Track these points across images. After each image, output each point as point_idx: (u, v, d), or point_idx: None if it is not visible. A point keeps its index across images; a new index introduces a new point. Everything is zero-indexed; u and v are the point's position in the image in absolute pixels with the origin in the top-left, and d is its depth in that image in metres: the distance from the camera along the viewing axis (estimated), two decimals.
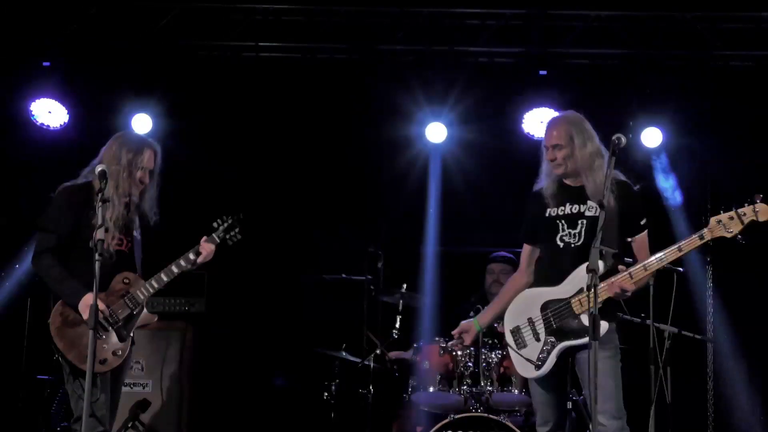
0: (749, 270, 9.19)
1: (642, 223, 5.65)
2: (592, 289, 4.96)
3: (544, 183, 5.77)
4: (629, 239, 5.64)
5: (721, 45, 9.05)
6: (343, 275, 8.61)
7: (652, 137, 9.48)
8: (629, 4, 8.98)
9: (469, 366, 7.51)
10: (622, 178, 5.69)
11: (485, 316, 6.09)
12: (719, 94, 9.29)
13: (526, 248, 5.87)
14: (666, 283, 6.67)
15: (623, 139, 5.41)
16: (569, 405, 7.15)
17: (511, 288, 5.91)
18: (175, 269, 6.03)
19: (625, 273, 5.45)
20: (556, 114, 9.18)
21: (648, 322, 6.96)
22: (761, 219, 5.28)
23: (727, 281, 9.68)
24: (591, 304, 4.97)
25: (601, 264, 5.26)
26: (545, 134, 5.78)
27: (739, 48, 9.11)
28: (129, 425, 7.91)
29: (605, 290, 5.39)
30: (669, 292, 6.72)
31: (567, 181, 5.72)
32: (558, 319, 5.52)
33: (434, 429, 7.13)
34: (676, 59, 9.24)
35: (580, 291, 5.41)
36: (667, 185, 9.67)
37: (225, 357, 9.31)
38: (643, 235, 5.66)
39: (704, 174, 9.67)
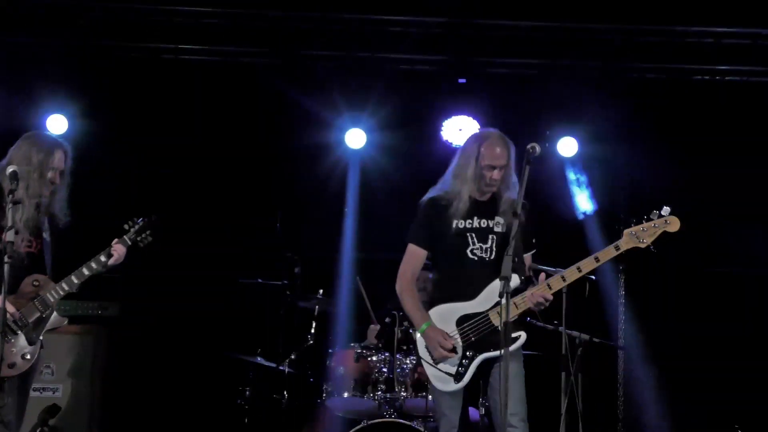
0: (659, 278, 9.36)
1: (533, 241, 5.80)
2: (504, 297, 5.00)
3: (449, 192, 5.77)
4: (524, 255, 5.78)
5: (636, 57, 9.22)
6: (260, 280, 8.57)
7: (567, 146, 9.63)
8: (548, 15, 9.07)
9: (384, 372, 7.53)
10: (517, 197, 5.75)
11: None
12: (634, 105, 9.45)
13: (420, 252, 5.84)
14: (578, 290, 6.76)
15: (537, 148, 5.49)
16: (482, 411, 7.29)
17: (410, 291, 5.87)
18: (86, 271, 5.95)
19: (543, 284, 5.56)
20: (473, 121, 9.41)
21: (560, 329, 7.02)
22: (671, 230, 5.48)
23: (638, 289, 9.85)
24: (503, 312, 5.01)
25: (516, 276, 5.43)
26: (491, 153, 5.69)
27: (653, 60, 9.28)
28: (37, 431, 7.77)
29: (525, 302, 5.50)
30: (581, 299, 6.81)
31: (475, 196, 5.75)
32: (476, 333, 5.56)
33: None
34: (593, 70, 9.38)
35: (498, 304, 5.46)
36: (582, 194, 9.81)
37: (139, 362, 9.21)
38: (530, 255, 5.86)
39: (618, 183, 9.83)
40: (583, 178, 9.81)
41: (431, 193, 5.87)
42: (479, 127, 9.48)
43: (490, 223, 5.67)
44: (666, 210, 5.50)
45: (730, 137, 9.50)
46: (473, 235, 5.67)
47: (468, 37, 9.20)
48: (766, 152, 9.49)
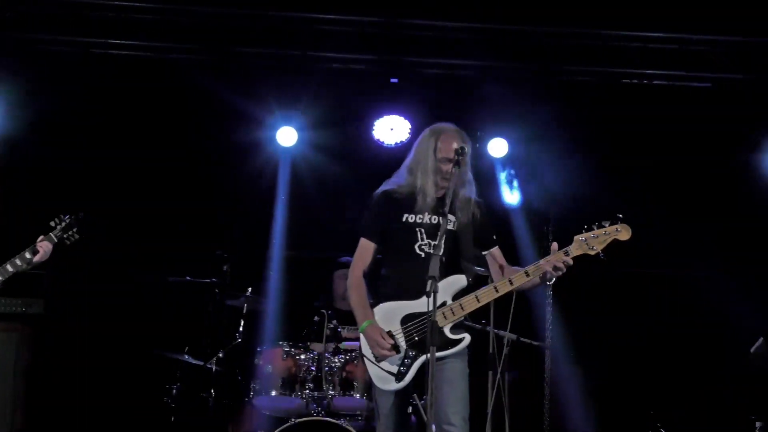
0: (586, 279, 9.46)
1: (494, 237, 5.76)
2: (432, 296, 4.97)
3: (402, 186, 5.70)
4: (484, 252, 5.75)
5: (566, 60, 9.32)
6: (188, 278, 8.51)
7: (498, 147, 9.70)
8: (480, 16, 9.13)
9: (312, 370, 7.53)
10: (475, 197, 5.75)
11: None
12: (564, 108, 9.55)
13: (369, 245, 5.72)
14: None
15: (467, 148, 5.53)
16: (409, 410, 7.32)
17: (364, 293, 5.75)
18: (10, 268, 5.88)
19: (490, 287, 5.54)
20: (405, 121, 9.42)
21: (488, 328, 7.07)
22: (622, 238, 5.45)
23: (565, 290, 9.96)
24: (432, 310, 5.00)
25: (464, 278, 5.49)
26: (448, 146, 5.64)
27: (583, 63, 9.38)
28: None
29: (472, 302, 5.49)
30: (509, 299, 6.85)
31: (427, 191, 5.66)
32: (420, 332, 5.48)
33: None
34: (524, 72, 9.46)
35: (444, 304, 5.46)
36: (512, 195, 9.90)
37: (64, 360, 9.08)
38: (498, 248, 5.79)
39: (547, 184, 9.92)
40: (513, 179, 9.90)
41: (385, 186, 5.77)
42: (410, 127, 9.55)
43: (442, 220, 5.51)
44: (618, 218, 5.47)
45: (657, 139, 9.66)
46: (423, 230, 5.61)
47: (401, 37, 9.22)
48: (694, 154, 9.67)
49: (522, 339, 7.56)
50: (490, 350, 7.11)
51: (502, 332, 7.21)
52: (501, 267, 5.75)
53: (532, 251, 9.60)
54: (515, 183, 9.96)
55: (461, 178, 5.63)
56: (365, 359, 5.58)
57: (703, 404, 9.78)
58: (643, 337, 9.80)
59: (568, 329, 9.93)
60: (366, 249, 5.74)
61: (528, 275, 5.50)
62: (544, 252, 5.97)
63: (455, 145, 5.62)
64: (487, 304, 6.80)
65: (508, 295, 6.07)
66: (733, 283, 9.74)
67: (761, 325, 9.05)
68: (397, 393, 5.57)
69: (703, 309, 9.75)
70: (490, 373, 7.07)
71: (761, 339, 5.97)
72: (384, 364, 5.52)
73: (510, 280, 5.52)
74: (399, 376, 5.50)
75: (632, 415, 9.71)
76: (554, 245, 5.54)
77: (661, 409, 9.66)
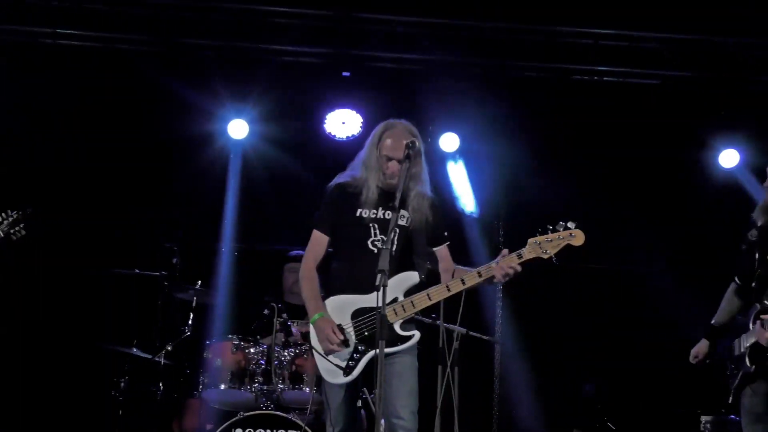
0: (536, 275, 9.51)
1: (446, 234, 5.77)
2: (381, 289, 4.97)
3: (357, 179, 5.67)
4: (434, 249, 5.75)
5: (517, 55, 9.36)
6: (137, 270, 8.44)
7: (449, 142, 9.72)
8: (432, 11, 9.14)
9: (262, 364, 7.50)
10: (428, 193, 5.75)
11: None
12: (514, 103, 9.58)
13: (323, 238, 5.70)
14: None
15: (417, 143, 5.53)
16: (359, 403, 7.31)
17: (310, 281, 5.71)
18: None
19: (442, 286, 5.55)
20: (356, 115, 9.42)
21: (438, 322, 7.08)
22: (576, 244, 5.47)
23: (515, 285, 9.98)
24: (382, 304, 5.00)
25: (416, 275, 5.49)
26: (388, 145, 5.61)
27: (533, 59, 9.43)
28: None
29: (423, 300, 5.49)
30: (459, 293, 6.85)
31: (382, 186, 5.65)
32: (370, 327, 5.48)
33: (223, 426, 7.08)
34: (475, 67, 9.48)
35: (395, 300, 5.46)
36: (462, 190, 9.93)
37: (7, 354, 8.95)
38: (446, 246, 5.79)
39: (497, 179, 9.97)
40: (463, 174, 9.93)
41: (339, 179, 5.74)
42: (362, 121, 9.54)
43: (394, 216, 5.45)
44: (572, 224, 5.47)
45: (607, 136, 9.73)
46: (376, 226, 5.59)
47: (352, 30, 9.20)
48: (643, 151, 9.76)
49: (472, 333, 7.57)
50: (440, 344, 7.13)
51: (452, 326, 7.22)
52: (449, 265, 5.77)
53: (482, 248, 9.64)
54: (466, 178, 9.98)
55: (413, 174, 5.59)
56: (314, 352, 5.56)
57: (649, 398, 9.88)
58: (591, 332, 9.88)
59: (518, 324, 10.00)
60: (318, 241, 5.71)
61: (480, 276, 5.51)
62: (494, 248, 6.01)
63: (396, 143, 5.60)
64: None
65: None
66: (679, 279, 9.86)
67: (706, 321, 9.19)
68: (346, 387, 5.56)
69: (651, 305, 9.87)
70: (440, 367, 7.09)
71: (738, 340, 6.07)
72: (333, 358, 5.50)
73: (462, 280, 5.52)
74: (347, 370, 5.50)
75: (580, 409, 9.80)
76: (505, 251, 5.56)
77: (609, 403, 9.76)
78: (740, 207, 9.73)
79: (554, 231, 5.47)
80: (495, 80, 9.50)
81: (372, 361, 5.50)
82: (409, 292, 5.52)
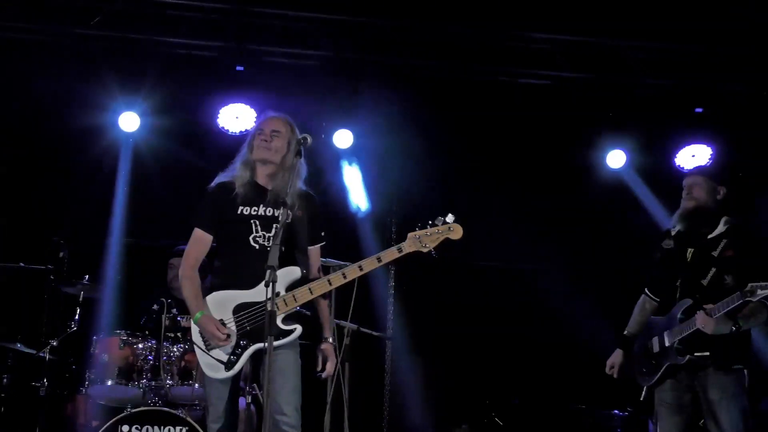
0: (427, 272, 9.60)
1: (322, 234, 5.83)
2: (270, 285, 4.99)
3: (233, 176, 5.71)
4: (309, 247, 5.78)
5: (413, 53, 9.42)
6: (22, 264, 8.26)
7: (343, 139, 9.73)
8: (328, 7, 9.14)
9: (150, 359, 7.42)
10: (308, 190, 5.78)
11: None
12: (410, 101, 9.62)
13: (205, 237, 5.71)
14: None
15: (309, 139, 5.56)
16: (249, 399, 7.30)
17: (191, 279, 5.71)
18: None
19: (324, 279, 5.58)
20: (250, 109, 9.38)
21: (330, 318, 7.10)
22: (454, 237, 5.57)
23: (407, 281, 10.10)
24: (269, 302, 5.02)
25: (298, 269, 5.51)
26: (264, 121, 5.74)
27: (429, 57, 9.50)
28: None
29: (305, 294, 5.52)
30: (350, 289, 6.88)
31: (261, 182, 5.71)
32: (252, 322, 5.51)
33: (109, 423, 6.98)
34: (370, 64, 9.51)
35: (277, 295, 5.45)
36: (355, 187, 9.96)
37: None
38: (319, 247, 5.85)
39: (391, 177, 10.02)
40: (356, 171, 9.96)
41: (219, 178, 5.76)
42: (256, 115, 9.47)
43: (276, 212, 5.60)
44: (450, 217, 5.56)
45: (499, 136, 9.86)
46: (257, 222, 5.62)
47: (246, 24, 9.16)
48: (536, 150, 9.92)
49: (363, 329, 7.62)
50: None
51: (343, 322, 7.27)
52: (317, 265, 5.83)
53: (374, 244, 9.69)
54: (360, 175, 10.02)
55: (298, 172, 5.65)
56: (196, 347, 5.59)
57: (534, 393, 10.06)
58: (482, 328, 10.00)
59: (409, 320, 10.08)
60: (199, 240, 5.73)
61: (361, 269, 5.57)
62: (386, 245, 6.06)
63: (268, 121, 5.72)
64: (329, 295, 6.89)
65: (350, 285, 6.13)
66: (569, 276, 10.06)
67: (594, 316, 9.41)
68: (227, 382, 5.58)
69: (541, 302, 10.03)
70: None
71: (657, 338, 6.27)
72: (215, 353, 5.53)
73: (344, 274, 5.58)
74: (229, 365, 5.52)
75: (469, 404, 9.92)
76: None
77: (497, 398, 9.91)
78: (626, 206, 10.05)
79: (433, 225, 5.58)
80: (389, 78, 9.53)
81: (255, 356, 5.55)
82: (291, 287, 5.54)
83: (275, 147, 5.65)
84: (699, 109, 9.91)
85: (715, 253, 6.13)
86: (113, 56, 9.10)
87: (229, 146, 9.03)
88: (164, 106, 9.37)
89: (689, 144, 10.02)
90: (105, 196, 9.43)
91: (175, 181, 9.45)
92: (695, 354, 6.04)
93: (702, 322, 5.92)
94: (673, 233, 6.40)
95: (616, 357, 6.59)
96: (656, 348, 6.29)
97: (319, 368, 5.73)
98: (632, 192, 10.11)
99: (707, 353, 6.02)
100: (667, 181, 9.98)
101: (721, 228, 6.21)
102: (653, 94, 9.75)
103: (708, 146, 9.96)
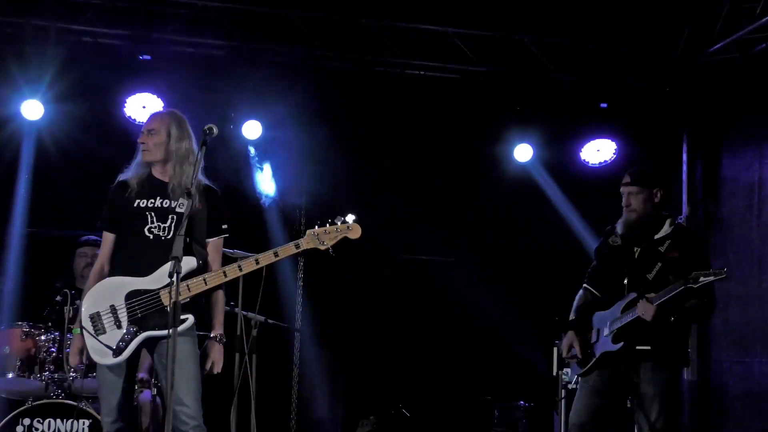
0: (336, 265, 9.61)
1: (224, 227, 5.80)
2: (175, 276, 5.01)
3: (132, 173, 5.75)
4: (209, 240, 5.75)
5: (321, 44, 9.42)
6: None
7: (252, 130, 9.68)
8: None
9: (53, 351, 7.30)
10: (209, 183, 5.79)
11: None
12: (319, 92, 9.62)
13: (108, 236, 5.77)
14: (255, 272, 6.80)
15: (215, 129, 5.52)
16: (154, 391, 7.23)
17: (97, 277, 5.72)
18: None
19: (219, 271, 5.57)
20: (158, 99, 9.29)
21: (236, 310, 7.09)
22: (352, 237, 5.61)
23: (315, 272, 10.10)
24: (174, 292, 5.00)
25: (192, 259, 5.47)
26: (146, 121, 5.82)
27: (338, 49, 9.51)
28: None
29: (199, 285, 5.51)
30: (258, 281, 6.85)
31: (157, 175, 5.73)
32: (143, 310, 5.49)
33: (10, 416, 6.89)
34: (279, 54, 9.49)
35: (171, 285, 5.42)
36: (264, 179, 9.93)
37: None
38: (221, 239, 5.82)
39: (298, 169, 10.01)
40: (265, 162, 9.93)
41: (120, 177, 5.79)
42: (163, 105, 9.37)
43: (173, 204, 5.63)
44: (351, 217, 5.61)
45: (408, 129, 9.91)
46: (153, 214, 5.62)
47: (153, 12, 9.06)
48: (444, 143, 10.00)
49: (270, 321, 7.60)
50: (238, 332, 7.14)
51: (250, 314, 7.25)
52: (220, 257, 5.82)
53: (282, 236, 9.68)
54: (269, 167, 9.98)
55: (196, 161, 5.60)
56: (85, 332, 5.54)
57: (442, 385, 10.15)
58: (391, 319, 10.06)
59: (317, 312, 10.09)
60: (106, 240, 5.78)
61: (258, 263, 5.61)
62: (295, 237, 6.07)
63: (149, 119, 5.79)
64: (236, 286, 6.88)
65: (257, 275, 6.12)
66: (476, 268, 10.16)
67: (503, 308, 9.53)
68: (120, 374, 5.55)
69: (449, 294, 10.13)
70: (237, 354, 7.10)
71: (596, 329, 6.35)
72: (103, 338, 5.50)
73: (240, 266, 5.61)
74: (117, 351, 5.48)
75: (377, 396, 9.97)
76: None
77: (404, 390, 9.98)
78: (533, 199, 10.19)
79: (332, 224, 5.63)
80: (299, 68, 9.53)
81: (148, 345, 5.54)
82: (186, 277, 5.50)
83: (152, 145, 5.69)
84: (604, 105, 10.09)
85: (662, 249, 6.24)
86: (16, 43, 8.92)
87: (135, 136, 8.87)
88: (69, 95, 9.20)
89: (594, 138, 10.21)
90: (6, 185, 9.24)
91: (80, 170, 9.30)
92: (636, 347, 6.12)
93: (642, 309, 6.02)
94: (619, 232, 6.46)
95: (570, 338, 6.55)
96: (594, 338, 6.38)
97: (208, 366, 5.69)
98: (539, 185, 10.25)
99: (648, 347, 6.12)
100: (572, 174, 10.19)
101: (666, 228, 6.32)
102: (560, 89, 9.90)
103: (612, 141, 10.15)
